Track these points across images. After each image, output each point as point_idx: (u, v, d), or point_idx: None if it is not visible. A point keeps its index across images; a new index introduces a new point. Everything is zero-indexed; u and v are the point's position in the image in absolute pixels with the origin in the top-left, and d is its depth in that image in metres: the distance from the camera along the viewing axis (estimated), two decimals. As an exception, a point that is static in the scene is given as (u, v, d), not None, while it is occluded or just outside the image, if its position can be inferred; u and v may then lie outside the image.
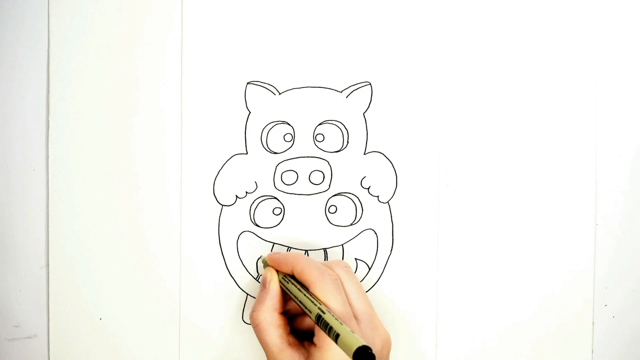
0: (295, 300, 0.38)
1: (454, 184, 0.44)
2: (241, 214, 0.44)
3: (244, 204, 0.44)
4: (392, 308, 0.44)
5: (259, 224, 0.45)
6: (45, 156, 0.45)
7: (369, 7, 0.44)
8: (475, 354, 0.44)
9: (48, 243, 0.45)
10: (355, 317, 0.38)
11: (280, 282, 0.40)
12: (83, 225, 0.45)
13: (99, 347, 0.45)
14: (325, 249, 0.45)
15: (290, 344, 0.37)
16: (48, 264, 0.45)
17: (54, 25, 0.45)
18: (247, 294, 0.44)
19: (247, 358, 0.44)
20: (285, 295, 0.40)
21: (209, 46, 0.44)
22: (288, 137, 0.44)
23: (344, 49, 0.44)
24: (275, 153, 0.44)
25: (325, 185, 0.44)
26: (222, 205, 0.44)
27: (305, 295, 0.37)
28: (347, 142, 0.44)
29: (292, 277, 0.39)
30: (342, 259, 0.44)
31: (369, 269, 0.45)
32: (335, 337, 0.33)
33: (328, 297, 0.36)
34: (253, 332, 0.39)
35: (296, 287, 0.38)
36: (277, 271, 0.41)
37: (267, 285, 0.40)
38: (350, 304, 0.38)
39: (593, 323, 0.44)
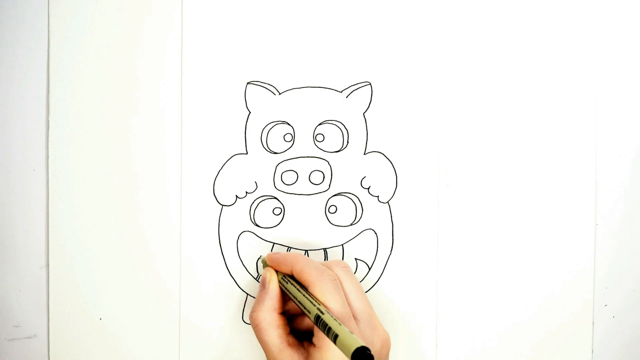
0: (295, 300, 0.38)
1: (454, 184, 0.44)
2: (241, 214, 0.44)
3: (244, 204, 0.44)
4: (392, 308, 0.44)
5: (259, 224, 0.45)
6: (45, 156, 0.45)
7: (369, 7, 0.44)
8: (475, 354, 0.44)
9: (48, 243, 0.45)
10: (355, 317, 0.38)
11: (279, 282, 0.40)
12: (83, 225, 0.45)
13: (99, 347, 0.45)
14: (325, 249, 0.45)
15: (289, 344, 0.37)
16: (48, 264, 0.45)
17: (54, 25, 0.45)
18: (247, 294, 0.44)
19: (247, 358, 0.44)
20: (285, 296, 0.40)
21: (209, 46, 0.44)
22: (288, 137, 0.44)
23: (344, 49, 0.44)
24: (275, 153, 0.44)
25: (325, 185, 0.44)
26: (222, 205, 0.44)
27: (304, 295, 0.37)
28: (347, 142, 0.44)
29: (292, 277, 0.39)
30: (342, 259, 0.44)
31: (369, 269, 0.45)
32: (334, 338, 0.33)
33: (327, 297, 0.36)
34: (253, 332, 0.39)
35: (295, 287, 0.38)
36: (277, 271, 0.41)
37: (267, 286, 0.40)
38: (349, 304, 0.38)
39: (593, 323, 0.44)
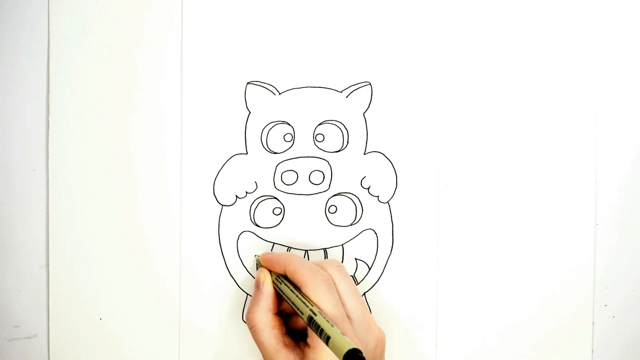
0: (288, 301, 0.38)
1: (454, 184, 0.44)
2: (241, 214, 0.44)
3: (244, 204, 0.44)
4: (392, 308, 0.44)
5: (259, 224, 0.45)
6: (45, 156, 0.45)
7: (369, 7, 0.44)
8: (475, 354, 0.44)
9: (48, 243, 0.45)
10: (348, 317, 0.38)
11: (273, 282, 0.40)
12: (83, 225, 0.45)
13: (99, 347, 0.45)
14: (325, 249, 0.45)
15: (285, 345, 0.37)
16: (48, 264, 0.45)
17: (54, 25, 0.45)
18: (247, 294, 0.44)
19: (247, 358, 0.44)
20: (280, 296, 0.40)
21: (209, 46, 0.44)
22: (288, 137, 0.44)
23: (344, 49, 0.44)
24: (275, 153, 0.44)
25: (325, 185, 0.44)
26: (222, 205, 0.44)
27: (297, 296, 0.37)
28: (347, 142, 0.44)
29: (285, 277, 0.39)
30: (342, 259, 0.44)
31: (369, 269, 0.45)
32: (326, 339, 0.33)
33: (320, 298, 0.36)
34: (252, 332, 0.39)
35: (289, 288, 0.38)
36: (271, 271, 0.41)
37: (261, 287, 0.40)
38: (343, 304, 0.38)
39: (593, 323, 0.44)
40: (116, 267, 0.45)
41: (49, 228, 0.45)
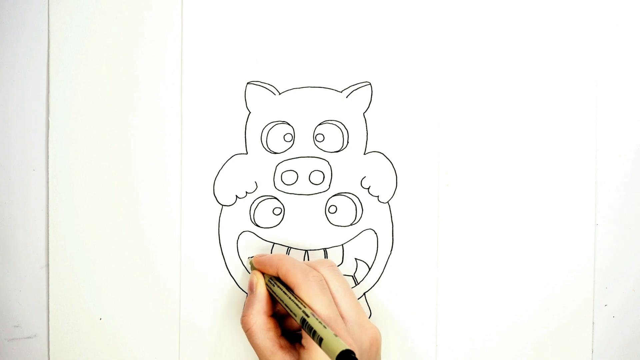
0: (281, 303, 0.38)
1: (454, 184, 0.44)
2: (241, 214, 0.44)
3: (244, 204, 0.44)
4: (392, 308, 0.44)
5: (259, 224, 0.45)
6: (45, 156, 0.45)
7: (369, 7, 0.44)
8: (475, 354, 0.44)
9: (48, 243, 0.45)
10: (342, 317, 0.38)
11: (266, 285, 0.40)
12: (83, 225, 0.45)
13: (99, 347, 0.45)
14: (325, 249, 0.45)
15: (281, 347, 0.37)
16: (48, 264, 0.45)
17: (54, 25, 0.45)
18: (247, 294, 0.44)
19: (248, 358, 0.44)
20: (274, 298, 0.40)
21: (209, 46, 0.44)
22: (288, 137, 0.44)
23: (344, 49, 0.44)
24: (275, 153, 0.44)
25: (325, 185, 0.44)
26: (222, 205, 0.44)
27: (290, 298, 0.37)
28: (347, 142, 0.44)
29: (278, 279, 0.39)
30: (342, 259, 0.44)
31: (369, 269, 0.45)
32: (319, 341, 0.33)
33: (312, 299, 0.36)
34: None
35: (281, 289, 0.38)
36: (264, 274, 0.41)
37: (255, 289, 0.40)
38: (336, 304, 0.38)
39: (593, 323, 0.44)
40: (116, 267, 0.45)
41: (49, 228, 0.45)
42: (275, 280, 0.39)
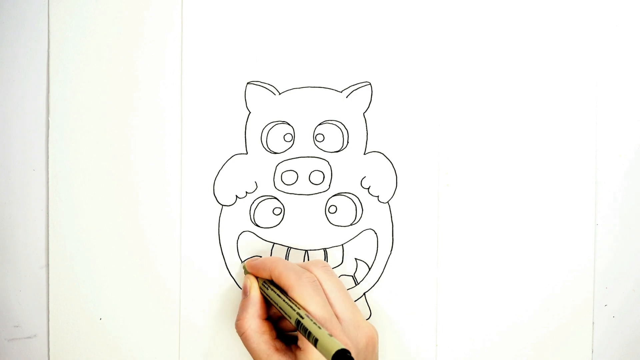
0: (276, 306, 0.38)
1: (454, 184, 0.44)
2: (241, 214, 0.44)
3: (244, 204, 0.44)
4: (392, 308, 0.44)
5: (259, 224, 0.45)
6: (45, 156, 0.45)
7: (369, 7, 0.44)
8: (475, 354, 0.44)
9: (48, 243, 0.45)
10: (337, 317, 0.38)
11: (260, 288, 0.40)
12: (83, 225, 0.45)
13: (99, 347, 0.45)
14: (325, 249, 0.45)
15: (277, 349, 0.37)
16: (48, 264, 0.45)
17: (54, 25, 0.45)
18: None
19: (248, 358, 0.44)
20: (268, 301, 0.40)
21: (209, 46, 0.44)
22: (288, 137, 0.44)
23: (344, 49, 0.44)
24: (275, 153, 0.44)
25: (325, 185, 0.44)
26: (222, 205, 0.44)
27: (284, 300, 0.37)
28: (347, 142, 0.44)
29: (272, 282, 0.39)
30: (342, 259, 0.44)
31: (369, 269, 0.45)
32: (314, 342, 0.33)
33: (307, 300, 0.36)
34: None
35: (275, 292, 0.38)
36: (257, 278, 0.41)
37: (248, 293, 0.40)
38: (331, 304, 0.38)
39: (593, 323, 0.44)
40: (116, 267, 0.45)
41: (49, 228, 0.45)
42: (268, 283, 0.39)
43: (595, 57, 0.44)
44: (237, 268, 0.44)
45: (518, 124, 0.44)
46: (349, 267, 0.44)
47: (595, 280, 0.44)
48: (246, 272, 0.42)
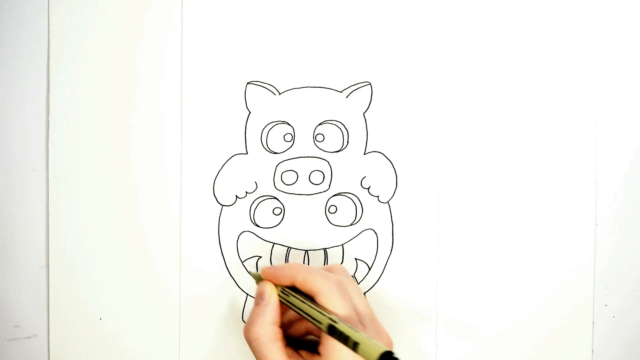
0: (300, 312, 0.36)
1: (454, 184, 0.44)
2: (241, 214, 0.44)
3: (244, 204, 0.44)
4: (392, 308, 0.44)
5: (259, 224, 0.45)
6: (45, 156, 0.45)
7: (369, 7, 0.44)
8: (475, 354, 0.44)
9: (48, 243, 0.45)
10: (360, 321, 0.37)
11: (279, 295, 0.38)
12: (83, 225, 0.45)
13: (99, 347, 0.45)
14: (325, 249, 0.45)
15: (289, 356, 0.37)
16: (48, 264, 0.45)
17: (54, 25, 0.45)
18: (247, 294, 0.44)
19: (247, 358, 0.44)
20: (281, 308, 0.39)
21: (209, 46, 0.44)
22: (288, 137, 0.44)
23: (344, 49, 0.44)
24: (275, 153, 0.44)
25: (325, 185, 0.44)
26: (222, 205, 0.44)
27: (310, 306, 0.36)
28: (347, 142, 0.44)
29: (292, 288, 0.38)
30: (342, 259, 0.44)
31: (369, 269, 0.45)
32: (354, 346, 0.32)
33: (335, 304, 0.36)
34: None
35: (299, 299, 0.37)
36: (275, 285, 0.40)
37: (267, 299, 0.38)
38: (354, 309, 0.38)
39: (593, 323, 0.44)
40: (116, 267, 0.45)
41: (49, 228, 0.45)
42: (289, 290, 0.38)
43: (595, 57, 0.44)
44: (237, 268, 0.44)
45: (518, 124, 0.44)
46: (349, 267, 0.44)
47: (595, 280, 0.44)
48: (259, 280, 0.40)
